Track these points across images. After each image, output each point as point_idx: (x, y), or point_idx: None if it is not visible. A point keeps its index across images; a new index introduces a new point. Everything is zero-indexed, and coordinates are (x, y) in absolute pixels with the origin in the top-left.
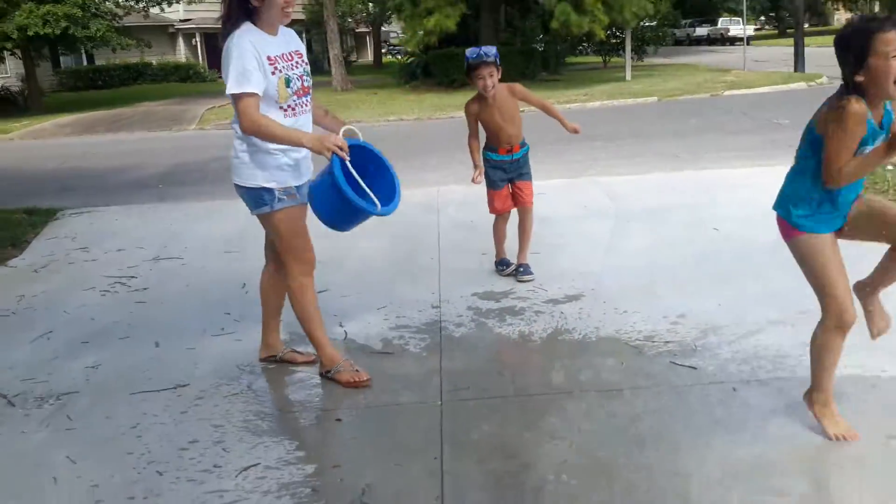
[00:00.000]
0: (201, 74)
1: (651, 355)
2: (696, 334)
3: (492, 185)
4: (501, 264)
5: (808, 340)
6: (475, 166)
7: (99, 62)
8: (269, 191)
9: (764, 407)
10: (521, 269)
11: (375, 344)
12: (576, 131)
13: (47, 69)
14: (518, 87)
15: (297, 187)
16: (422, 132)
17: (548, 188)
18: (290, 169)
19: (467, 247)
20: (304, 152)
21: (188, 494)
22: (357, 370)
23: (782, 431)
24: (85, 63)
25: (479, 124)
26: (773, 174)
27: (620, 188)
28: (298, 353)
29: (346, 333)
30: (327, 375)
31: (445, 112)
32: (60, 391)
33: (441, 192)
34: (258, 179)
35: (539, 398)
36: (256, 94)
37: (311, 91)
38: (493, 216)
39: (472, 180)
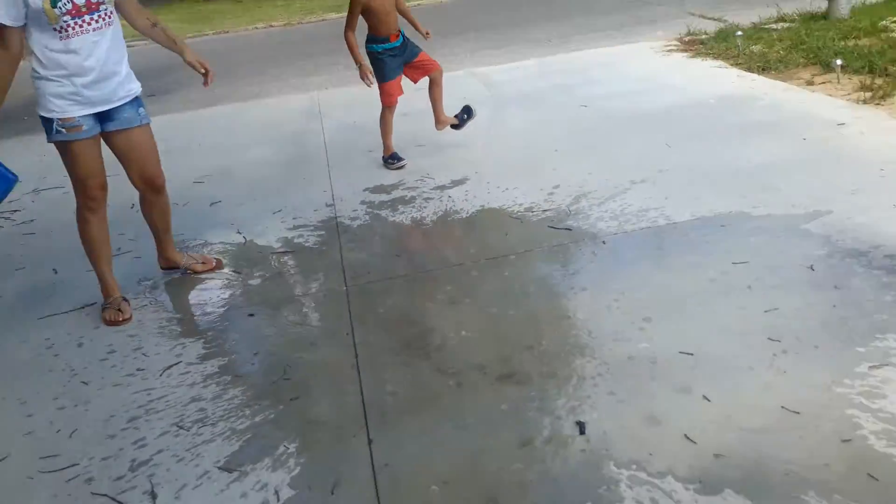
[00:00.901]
0: None
1: (531, 223)
2: (570, 201)
3: (389, 76)
4: (392, 159)
5: (668, 195)
6: (360, 64)
7: None
8: (49, 121)
9: (629, 253)
10: (466, 115)
11: (276, 244)
12: (428, 34)
13: None
14: None
15: (86, 117)
16: (294, 38)
17: (426, 84)
18: (72, 97)
19: (354, 147)
20: (93, 76)
21: (116, 397)
22: (120, 309)
23: (645, 272)
24: None
25: (363, 15)
26: (633, 51)
27: (497, 76)
28: (197, 261)
29: (245, 239)
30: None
31: (316, 14)
32: None
33: (322, 97)
34: (40, 108)
35: (435, 272)
36: (4, 26)
37: (100, 8)
38: (378, 112)
39: (367, 82)
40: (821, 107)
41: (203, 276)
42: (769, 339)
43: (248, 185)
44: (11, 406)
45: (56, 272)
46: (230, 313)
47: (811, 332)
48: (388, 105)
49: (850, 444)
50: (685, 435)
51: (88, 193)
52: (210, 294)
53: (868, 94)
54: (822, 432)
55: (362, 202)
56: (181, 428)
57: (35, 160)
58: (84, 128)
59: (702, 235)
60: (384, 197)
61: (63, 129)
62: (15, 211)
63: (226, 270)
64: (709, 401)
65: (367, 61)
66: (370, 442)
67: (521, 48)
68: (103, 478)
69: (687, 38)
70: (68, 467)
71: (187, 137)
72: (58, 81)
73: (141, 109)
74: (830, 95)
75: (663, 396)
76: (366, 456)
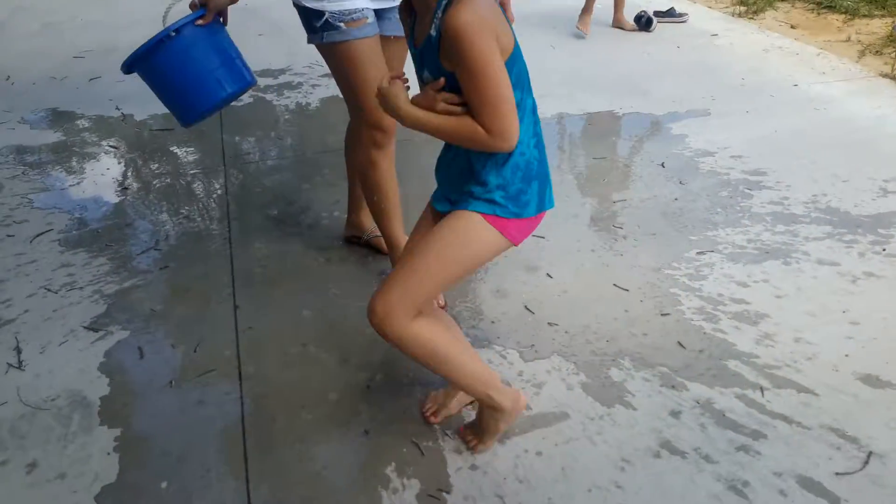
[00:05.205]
0: None
1: None
2: None
3: None
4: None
5: (543, 94)
6: None
7: None
8: (317, 14)
9: None
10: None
11: (157, 122)
12: None
13: None
14: None
15: (368, 10)
16: None
17: None
18: None
19: (242, 28)
20: None
21: None
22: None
23: None
24: None
25: None
26: None
27: None
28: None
29: (123, 115)
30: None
31: None
32: None
33: None
34: None
35: (315, 157)
36: None
37: None
38: None
39: None
40: (699, 18)
41: (94, 149)
42: (613, 226)
43: None
44: None
45: None
46: (104, 187)
47: (651, 221)
48: None
49: (668, 318)
50: (525, 306)
51: (378, 121)
52: (84, 167)
53: (743, 9)
54: (644, 307)
55: None
56: (49, 290)
57: None
58: (369, 20)
59: (568, 133)
60: (270, 81)
61: (341, 24)
62: None
63: (103, 144)
64: (551, 278)
65: None
66: (236, 308)
67: None
68: None
69: None
70: None
71: (68, 13)
72: None
73: None
74: (710, 8)
75: (512, 274)
76: (230, 320)
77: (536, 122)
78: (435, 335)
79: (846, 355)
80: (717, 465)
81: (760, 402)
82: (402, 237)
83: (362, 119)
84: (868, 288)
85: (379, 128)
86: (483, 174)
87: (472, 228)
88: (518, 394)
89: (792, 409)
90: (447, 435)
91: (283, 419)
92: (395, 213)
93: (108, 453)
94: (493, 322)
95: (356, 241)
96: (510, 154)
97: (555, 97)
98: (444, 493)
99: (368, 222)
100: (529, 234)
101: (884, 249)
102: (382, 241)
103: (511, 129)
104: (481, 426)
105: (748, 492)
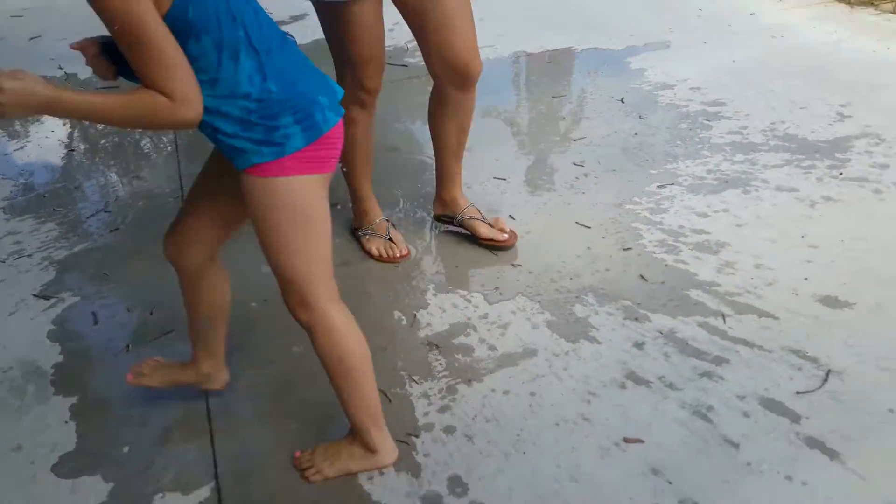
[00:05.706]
0: None
1: None
2: (408, 38)
3: None
4: None
5: (503, 32)
6: None
7: None
8: None
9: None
10: None
11: (100, 81)
12: None
13: None
14: None
15: None
16: None
17: None
18: None
19: None
20: None
21: None
22: (391, 239)
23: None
24: None
25: None
26: None
27: None
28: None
29: (66, 74)
30: (357, 234)
31: None
32: None
33: None
34: None
35: None
36: None
37: None
38: None
39: None
40: None
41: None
42: (573, 163)
43: (72, 19)
44: None
45: None
46: (50, 150)
47: (612, 157)
48: None
49: (630, 252)
50: (489, 249)
51: (364, 80)
52: (28, 130)
53: None
54: (606, 243)
55: None
56: None
57: None
58: None
59: (527, 71)
60: None
61: None
62: None
63: None
64: (513, 219)
65: None
66: None
67: None
68: None
69: None
70: None
71: None
72: None
73: None
74: None
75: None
76: None
77: (260, 52)
78: (354, 338)
79: (805, 279)
80: (682, 392)
81: (722, 328)
82: (369, 193)
83: (347, 77)
84: (826, 212)
85: (363, 88)
86: (224, 127)
87: (262, 194)
88: (394, 448)
89: (753, 333)
90: (414, 381)
91: (245, 375)
92: (364, 169)
93: (66, 422)
94: (457, 266)
95: (447, 221)
96: (233, 102)
97: (512, 35)
98: (413, 437)
99: (462, 199)
100: (335, 154)
101: (840, 173)
102: (478, 224)
103: (195, 95)
104: (334, 455)
105: (712, 416)
